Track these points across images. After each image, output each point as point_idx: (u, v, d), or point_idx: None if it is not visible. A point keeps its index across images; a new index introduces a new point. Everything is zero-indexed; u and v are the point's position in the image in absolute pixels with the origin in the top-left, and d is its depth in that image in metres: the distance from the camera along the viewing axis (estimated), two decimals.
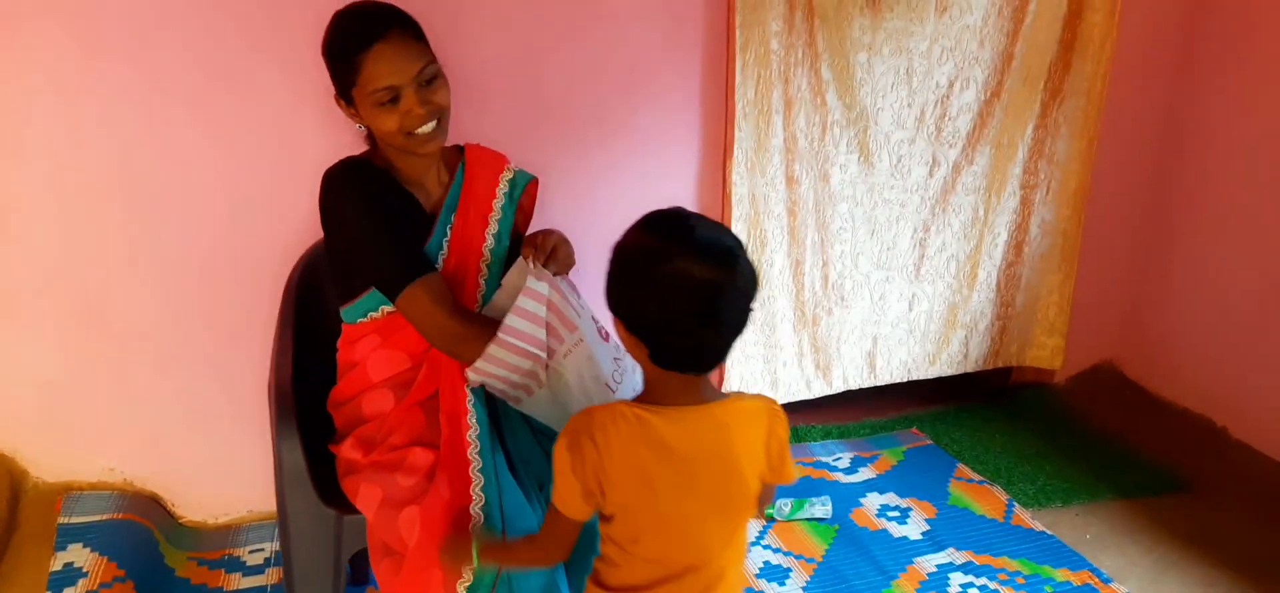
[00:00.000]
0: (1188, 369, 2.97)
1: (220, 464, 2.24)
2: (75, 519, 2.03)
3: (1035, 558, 2.27)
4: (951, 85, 2.64)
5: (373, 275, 1.58)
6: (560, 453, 1.19)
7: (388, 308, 1.63)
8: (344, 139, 2.05)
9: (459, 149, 1.77)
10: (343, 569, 1.63)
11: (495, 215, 1.73)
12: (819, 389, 2.82)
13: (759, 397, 1.26)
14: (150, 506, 2.17)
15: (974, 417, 3.01)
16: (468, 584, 1.38)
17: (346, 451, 1.60)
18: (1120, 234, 3.06)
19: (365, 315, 1.66)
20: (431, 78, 1.57)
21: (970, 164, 2.76)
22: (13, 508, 2.03)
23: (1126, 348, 3.19)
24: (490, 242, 1.71)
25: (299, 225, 2.09)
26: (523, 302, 1.52)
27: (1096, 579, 2.19)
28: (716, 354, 1.18)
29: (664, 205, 1.22)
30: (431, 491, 1.50)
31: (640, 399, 1.21)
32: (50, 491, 2.10)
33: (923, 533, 2.36)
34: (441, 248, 1.65)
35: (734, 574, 1.28)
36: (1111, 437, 2.88)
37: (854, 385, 2.88)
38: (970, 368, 3.03)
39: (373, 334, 1.67)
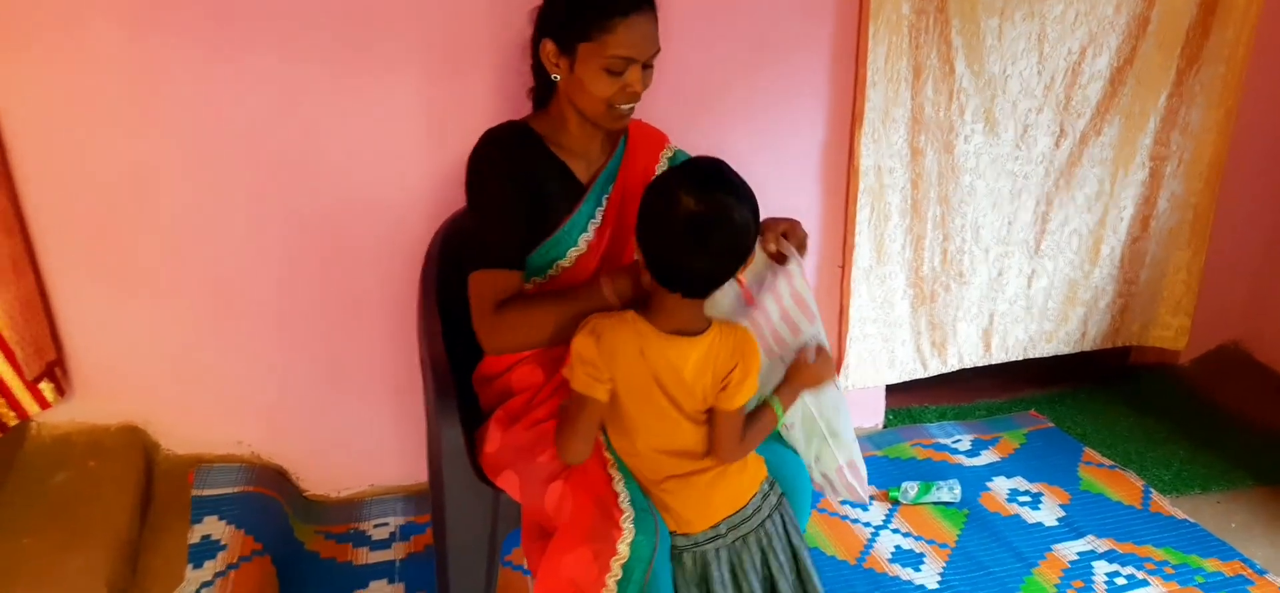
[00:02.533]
0: None
1: (343, 438, 2.23)
2: (208, 492, 2.04)
3: (1181, 547, 2.17)
4: (1084, 52, 2.52)
5: (472, 242, 1.55)
6: (582, 341, 1.40)
7: (540, 279, 1.59)
8: (473, 108, 2.03)
9: None
10: (498, 548, 1.60)
11: None
12: (935, 368, 2.73)
13: (738, 331, 1.43)
14: (278, 478, 2.17)
15: (1094, 399, 2.90)
16: (622, 562, 1.35)
17: (490, 430, 1.57)
18: (1252, 209, 2.91)
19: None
20: (650, 63, 1.55)
21: (1098, 135, 2.63)
22: (147, 480, 2.03)
23: (1254, 328, 3.05)
24: None
25: (423, 196, 2.06)
26: (782, 286, 1.55)
27: (1249, 570, 2.09)
28: (707, 281, 1.37)
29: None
30: (576, 469, 1.46)
31: (642, 310, 1.42)
32: (181, 463, 2.11)
33: (1058, 519, 2.27)
34: (593, 217, 1.60)
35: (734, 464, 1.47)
36: (1243, 421, 2.75)
37: (969, 364, 2.78)
38: (1088, 346, 2.91)
39: None
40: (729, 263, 1.37)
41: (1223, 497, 2.40)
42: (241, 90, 1.91)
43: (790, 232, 1.59)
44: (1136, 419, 2.77)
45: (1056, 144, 2.61)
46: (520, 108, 1.71)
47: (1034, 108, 2.54)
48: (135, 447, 2.05)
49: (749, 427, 1.45)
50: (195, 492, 2.03)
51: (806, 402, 1.59)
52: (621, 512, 1.38)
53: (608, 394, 1.41)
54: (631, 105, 1.55)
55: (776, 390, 1.51)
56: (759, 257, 1.58)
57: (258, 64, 1.90)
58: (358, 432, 2.24)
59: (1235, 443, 2.63)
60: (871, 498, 1.75)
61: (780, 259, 1.58)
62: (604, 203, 1.61)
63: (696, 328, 1.40)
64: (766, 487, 1.51)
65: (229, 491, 2.05)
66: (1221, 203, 2.78)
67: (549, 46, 1.54)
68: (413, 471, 2.29)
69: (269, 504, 2.06)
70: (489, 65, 2.02)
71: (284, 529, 2.05)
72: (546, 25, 1.55)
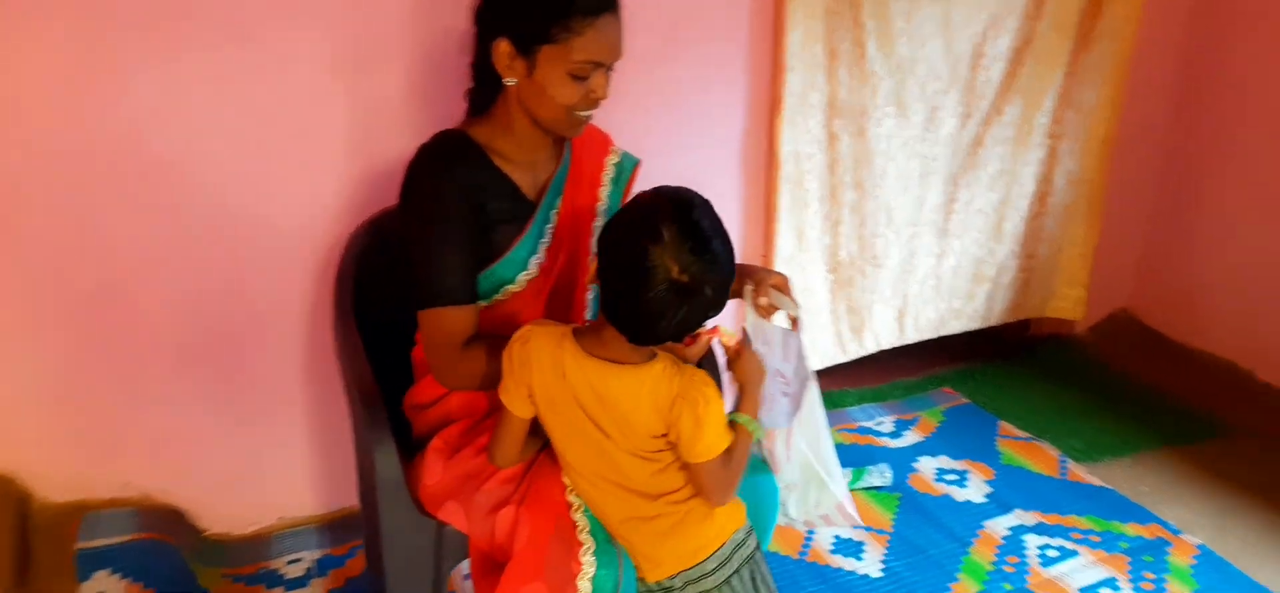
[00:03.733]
0: (1209, 314, 2.97)
1: (246, 469, 2.04)
2: (95, 543, 1.83)
3: (1102, 514, 2.23)
4: (986, 33, 2.56)
5: (416, 274, 1.41)
6: (510, 345, 1.32)
7: (485, 303, 1.47)
8: (388, 107, 1.88)
9: None
10: (443, 586, 1.48)
11: (602, 204, 1.59)
12: (853, 352, 2.73)
13: (677, 371, 1.27)
14: (173, 521, 1.97)
15: (1001, 373, 2.98)
16: None
17: (429, 460, 1.45)
18: (1139, 181, 3.04)
19: None
20: (611, 68, 1.44)
21: (1000, 115, 2.69)
22: (21, 536, 1.80)
23: (1144, 295, 3.19)
24: (599, 221, 1.57)
25: (331, 203, 1.90)
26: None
27: (1167, 532, 2.17)
28: (652, 337, 1.24)
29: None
30: (531, 490, 1.36)
31: (580, 328, 1.31)
32: (61, 512, 1.88)
33: (986, 496, 2.30)
34: (543, 236, 1.48)
35: (698, 507, 1.33)
36: (1141, 385, 2.87)
37: (885, 346, 2.80)
38: (993, 322, 2.98)
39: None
40: (687, 329, 1.25)
41: (1132, 461, 2.49)
42: (114, 90, 1.70)
43: (781, 286, 1.52)
44: (1043, 389, 2.85)
45: (962, 125, 2.65)
46: (441, 107, 1.57)
47: (941, 90, 2.56)
48: (4, 498, 1.81)
49: (728, 462, 1.30)
50: (80, 545, 1.82)
51: (803, 449, 1.54)
52: (581, 543, 1.28)
53: (524, 406, 1.32)
54: (592, 112, 1.45)
55: (738, 407, 1.37)
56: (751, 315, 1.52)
57: (130, 58, 1.69)
58: (263, 460, 2.05)
59: (1135, 407, 2.74)
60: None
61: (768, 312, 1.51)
62: (553, 218, 1.50)
63: (630, 360, 1.28)
64: (741, 536, 1.37)
65: (120, 540, 1.84)
66: (1111, 176, 2.88)
67: (504, 47, 1.39)
68: (327, 498, 2.12)
69: (166, 550, 1.87)
70: (405, 59, 1.87)
71: (184, 577, 1.86)
72: (500, 23, 1.40)
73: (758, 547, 1.40)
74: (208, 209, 1.83)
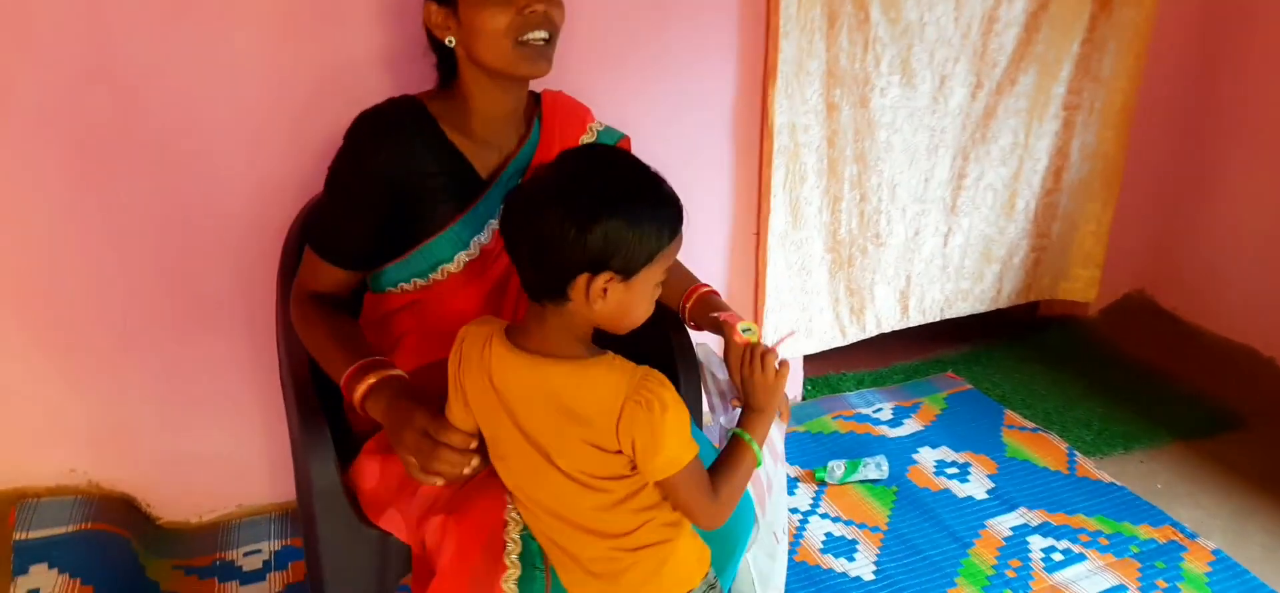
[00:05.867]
0: (1228, 297, 2.82)
1: (202, 454, 1.93)
2: (34, 534, 1.71)
3: (1112, 514, 2.09)
4: None
5: (317, 217, 1.37)
6: (451, 353, 1.18)
7: (422, 280, 1.35)
8: (351, 73, 1.74)
9: (536, 98, 1.47)
10: None
11: None
12: (854, 335, 2.59)
13: (624, 370, 1.08)
14: (122, 509, 1.86)
15: (1008, 356, 2.84)
16: None
17: (366, 463, 1.32)
18: (1156, 157, 2.88)
19: (394, 286, 1.37)
20: None
21: (1013, 85, 2.52)
22: None
23: (1159, 276, 3.03)
24: None
25: (286, 180, 1.76)
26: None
27: (1181, 535, 2.03)
28: (557, 274, 1.04)
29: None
30: (465, 499, 1.23)
31: (513, 324, 1.15)
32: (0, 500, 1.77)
33: (988, 492, 2.17)
34: (492, 218, 1.36)
35: (650, 557, 1.13)
36: (1155, 372, 2.73)
37: (887, 329, 2.66)
38: (1003, 303, 2.83)
39: (403, 312, 1.39)
40: (612, 255, 1.03)
41: (1145, 456, 2.35)
42: (34, 53, 1.56)
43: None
44: (1052, 375, 2.71)
45: (972, 96, 2.49)
46: (409, 73, 1.45)
47: (951, 57, 2.40)
48: None
49: (719, 477, 1.13)
50: (18, 535, 1.71)
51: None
52: (505, 567, 1.14)
53: (462, 415, 1.17)
54: (545, 34, 1.30)
55: (743, 423, 1.20)
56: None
57: (51, 24, 1.55)
58: (220, 445, 1.94)
59: (1149, 396, 2.60)
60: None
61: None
62: None
63: (569, 353, 1.09)
64: (702, 589, 1.19)
65: (61, 530, 1.73)
66: (1129, 150, 2.72)
67: (431, 8, 1.31)
68: (288, 486, 1.99)
69: (112, 542, 1.76)
70: (372, 17, 1.72)
71: (132, 570, 1.75)
72: None
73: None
74: (148, 187, 1.70)
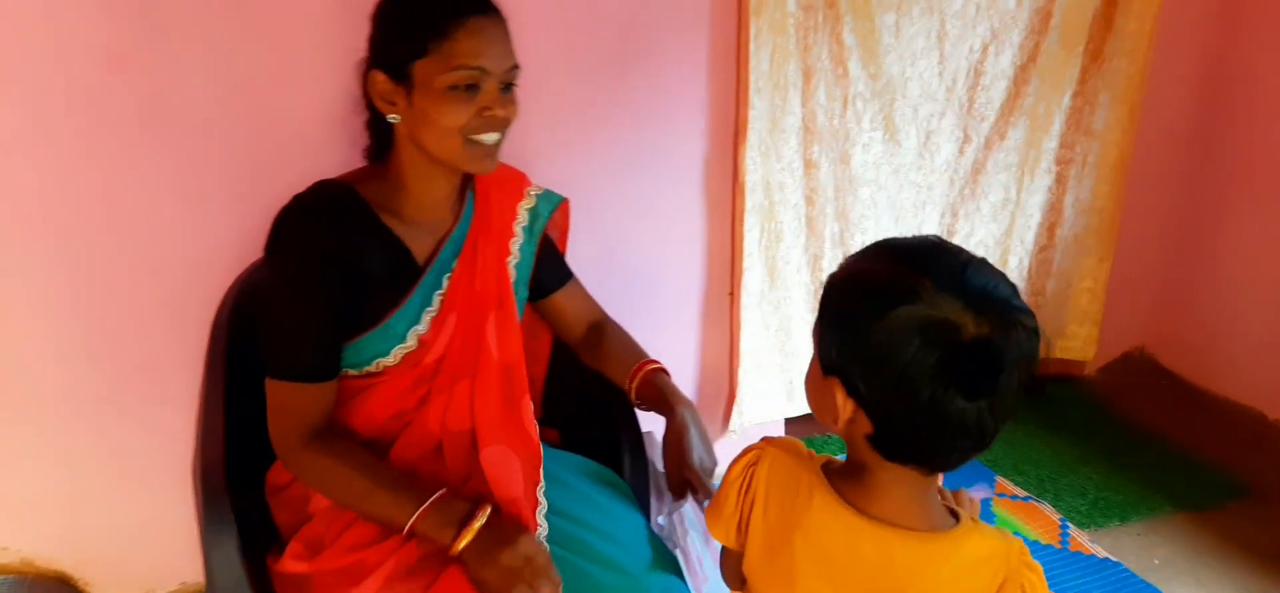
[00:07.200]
0: (1232, 357, 2.70)
1: (143, 529, 1.84)
2: None
3: None
4: (986, 49, 2.32)
5: (269, 340, 1.23)
6: (732, 469, 1.00)
7: (355, 372, 1.27)
8: (284, 137, 1.68)
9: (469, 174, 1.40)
10: None
11: (513, 258, 1.39)
12: None
13: (999, 539, 0.89)
14: (58, 588, 1.78)
15: None
16: None
17: (289, 565, 1.23)
18: (1156, 211, 2.78)
19: None
20: (511, 84, 1.26)
21: (1002, 139, 2.44)
22: None
23: (1160, 334, 2.92)
24: (512, 274, 1.38)
25: (234, 234, 1.69)
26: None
27: None
28: (977, 445, 0.83)
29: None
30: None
31: (836, 469, 0.92)
32: None
33: None
34: (429, 306, 1.29)
35: None
36: (1155, 436, 2.61)
37: None
38: None
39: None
40: (998, 424, 0.82)
41: (1142, 527, 2.23)
42: None
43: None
44: (1046, 439, 2.60)
45: (960, 151, 2.41)
46: (355, 133, 1.37)
47: (936, 112, 2.33)
48: None
49: None
50: None
51: None
52: None
53: (731, 534, 0.99)
54: (497, 136, 1.25)
55: None
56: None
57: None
58: (162, 519, 1.85)
59: (1148, 462, 2.48)
60: None
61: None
62: (445, 284, 1.30)
63: (929, 524, 0.87)
64: None
65: None
66: (1125, 205, 2.63)
67: (379, 79, 1.22)
68: None
69: None
70: (321, 73, 1.66)
71: None
72: (372, 56, 1.25)
73: None
74: (81, 253, 1.63)
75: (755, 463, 0.98)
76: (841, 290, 0.88)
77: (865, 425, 0.85)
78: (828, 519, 0.89)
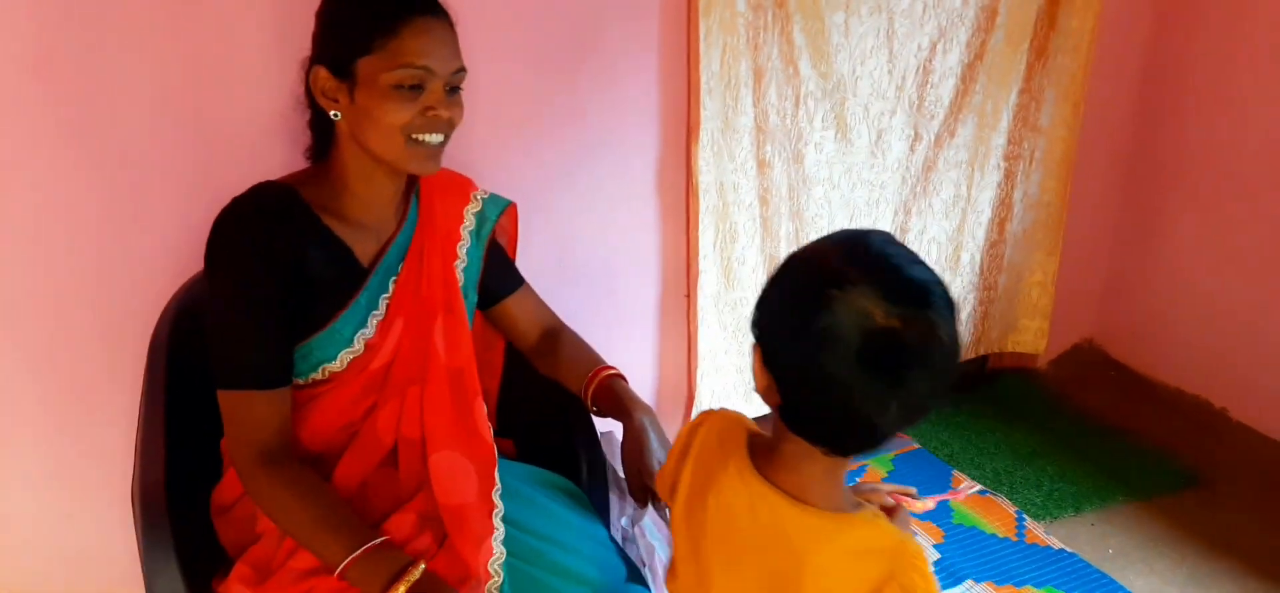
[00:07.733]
0: (1180, 347, 2.76)
1: (90, 551, 1.78)
2: None
3: (1063, 585, 2.00)
4: (934, 47, 2.33)
5: (217, 349, 1.19)
6: (680, 434, 1.06)
7: (301, 381, 1.23)
8: (228, 140, 1.63)
9: (413, 178, 1.36)
10: None
11: (460, 262, 1.36)
12: None
13: (892, 537, 0.91)
14: None
15: (957, 412, 2.75)
16: None
17: (235, 588, 1.19)
18: (1102, 204, 2.84)
19: None
20: (457, 87, 1.24)
21: (952, 136, 2.46)
22: None
23: (1109, 325, 2.98)
24: (460, 278, 1.35)
25: (172, 244, 1.64)
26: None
27: None
28: (869, 439, 0.86)
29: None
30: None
31: (757, 441, 0.96)
32: None
33: (934, 563, 2.06)
34: (375, 309, 1.26)
35: None
36: (1106, 426, 2.65)
37: None
38: None
39: None
40: (915, 416, 0.85)
41: (1097, 517, 2.26)
42: None
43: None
44: (1002, 432, 2.63)
45: (911, 148, 2.43)
46: (304, 136, 1.33)
47: (887, 110, 2.34)
48: None
49: None
50: None
51: None
52: None
53: (669, 497, 1.04)
54: (440, 138, 1.22)
55: None
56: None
57: None
58: (110, 540, 1.78)
59: (1101, 451, 2.52)
60: None
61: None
62: (391, 288, 1.27)
63: (828, 503, 0.90)
64: None
65: None
66: (1072, 199, 2.67)
67: (322, 74, 1.19)
68: None
69: None
70: (262, 75, 1.60)
71: None
72: (315, 52, 1.22)
73: None
74: (6, 263, 1.57)
75: (698, 427, 1.03)
76: (784, 265, 0.91)
77: (777, 397, 0.88)
78: (735, 482, 0.94)
